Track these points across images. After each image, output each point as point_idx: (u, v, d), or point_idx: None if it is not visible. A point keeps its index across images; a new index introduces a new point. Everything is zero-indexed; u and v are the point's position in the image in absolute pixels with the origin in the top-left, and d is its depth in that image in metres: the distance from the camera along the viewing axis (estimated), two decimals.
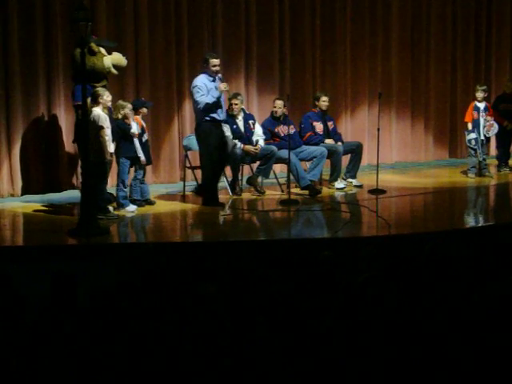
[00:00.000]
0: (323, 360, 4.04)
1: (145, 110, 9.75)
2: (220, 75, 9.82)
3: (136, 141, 9.40)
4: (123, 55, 9.58)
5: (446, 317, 4.52)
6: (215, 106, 9.66)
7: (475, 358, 4.06)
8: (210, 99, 9.59)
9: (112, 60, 9.37)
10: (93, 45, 9.14)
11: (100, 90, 8.89)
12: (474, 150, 11.93)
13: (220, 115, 9.77)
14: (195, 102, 9.73)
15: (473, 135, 11.92)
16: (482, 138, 12.02)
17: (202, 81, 9.73)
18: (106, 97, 8.86)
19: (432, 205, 10.66)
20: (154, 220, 9.33)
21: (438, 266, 5.62)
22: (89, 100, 8.57)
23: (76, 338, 4.23)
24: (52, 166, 10.38)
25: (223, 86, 9.66)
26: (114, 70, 9.41)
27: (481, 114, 12.01)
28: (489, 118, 12.05)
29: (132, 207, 9.29)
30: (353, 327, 4.37)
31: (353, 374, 3.99)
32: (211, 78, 9.75)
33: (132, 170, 9.59)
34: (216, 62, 9.78)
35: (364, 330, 4.32)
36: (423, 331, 4.31)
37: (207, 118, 9.71)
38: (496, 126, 12.13)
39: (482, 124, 12.00)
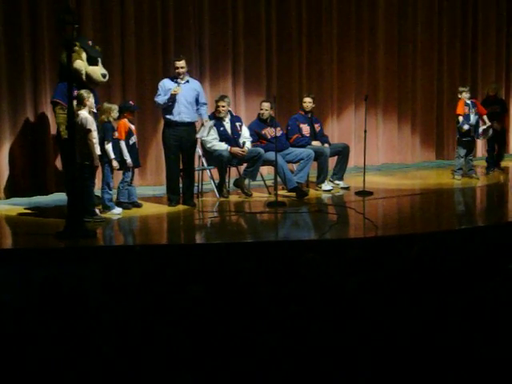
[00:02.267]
0: (311, 362, 4.05)
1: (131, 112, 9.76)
2: (185, 77, 9.98)
3: (123, 143, 9.42)
4: (107, 71, 9.58)
5: (434, 318, 4.53)
6: (169, 106, 9.86)
7: (466, 359, 4.07)
8: (161, 100, 9.89)
9: (86, 68, 9.32)
10: (77, 44, 9.10)
11: (85, 92, 8.87)
12: (467, 132, 11.93)
13: (176, 116, 9.89)
14: None
15: (466, 126, 11.94)
16: (473, 134, 12.10)
17: (163, 82, 10.07)
18: (91, 99, 8.86)
19: (419, 206, 10.68)
20: (141, 222, 9.32)
21: (426, 268, 5.63)
22: (74, 103, 8.59)
23: (64, 339, 4.22)
24: (39, 168, 10.34)
25: (173, 89, 9.80)
26: (83, 77, 9.31)
27: (470, 109, 12.07)
28: (480, 123, 12.17)
29: (117, 210, 9.28)
30: (340, 329, 4.38)
31: (341, 376, 4.00)
32: (175, 80, 9.94)
33: (118, 172, 9.60)
34: (178, 64, 9.97)
35: (353, 331, 4.33)
36: (412, 333, 4.33)
37: (164, 120, 10.08)
38: (490, 130, 12.31)
39: (472, 119, 12.05)
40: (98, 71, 9.43)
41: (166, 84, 9.98)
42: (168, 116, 9.93)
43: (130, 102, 9.93)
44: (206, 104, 10.23)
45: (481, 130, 12.21)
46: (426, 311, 4.66)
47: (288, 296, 5.08)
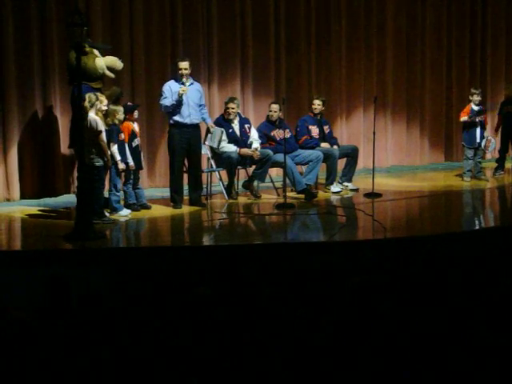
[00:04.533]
0: (318, 363, 4.05)
1: (135, 114, 9.76)
2: (189, 79, 10.01)
3: (125, 146, 9.42)
4: (119, 58, 9.58)
5: (443, 319, 4.52)
6: (176, 108, 9.87)
7: (474, 360, 4.06)
8: (168, 102, 9.88)
9: (105, 62, 9.35)
10: (85, 45, 9.13)
11: (93, 95, 8.87)
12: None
13: (186, 118, 9.91)
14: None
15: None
16: (478, 140, 12.03)
17: (168, 84, 10.06)
18: (102, 102, 8.88)
19: (428, 208, 10.66)
20: (150, 224, 9.32)
21: (434, 269, 5.63)
22: (86, 102, 8.63)
23: (69, 340, 4.23)
24: (48, 170, 10.35)
25: (180, 89, 9.80)
26: (108, 73, 9.36)
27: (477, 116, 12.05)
28: (485, 134, 12.12)
29: (125, 211, 9.28)
30: (349, 331, 4.37)
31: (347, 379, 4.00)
32: (180, 81, 9.93)
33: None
34: (182, 65, 9.97)
35: (360, 333, 4.33)
36: (420, 335, 4.32)
37: (171, 122, 10.03)
38: (494, 142, 12.25)
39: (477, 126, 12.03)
40: (114, 58, 9.47)
41: (172, 86, 9.96)
42: (177, 118, 9.92)
43: (129, 103, 9.93)
44: (205, 106, 10.35)
45: (483, 143, 12.12)
46: (435, 312, 4.65)
47: (296, 298, 5.08)
